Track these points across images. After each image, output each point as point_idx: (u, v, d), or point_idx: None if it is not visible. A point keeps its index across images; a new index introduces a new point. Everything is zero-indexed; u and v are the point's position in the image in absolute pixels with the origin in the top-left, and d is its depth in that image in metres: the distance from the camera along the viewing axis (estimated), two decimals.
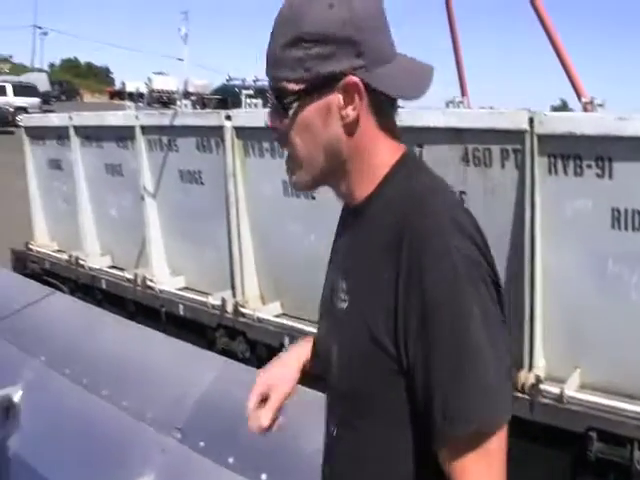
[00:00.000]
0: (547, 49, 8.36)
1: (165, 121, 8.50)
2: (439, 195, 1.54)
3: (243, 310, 7.58)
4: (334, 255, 1.80)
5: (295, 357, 1.98)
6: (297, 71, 1.50)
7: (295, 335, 6.65)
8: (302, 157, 1.59)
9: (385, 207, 1.55)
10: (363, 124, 1.55)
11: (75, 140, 9.91)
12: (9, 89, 46.51)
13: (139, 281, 8.87)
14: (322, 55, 1.48)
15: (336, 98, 1.51)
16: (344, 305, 1.59)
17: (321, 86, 1.51)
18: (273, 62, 1.55)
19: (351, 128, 1.54)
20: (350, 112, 1.52)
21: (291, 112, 1.54)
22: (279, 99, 1.56)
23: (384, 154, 1.59)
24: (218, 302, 7.78)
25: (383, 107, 1.57)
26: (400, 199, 1.52)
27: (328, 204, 6.58)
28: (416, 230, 1.43)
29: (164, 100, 60.42)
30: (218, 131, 7.61)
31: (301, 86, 1.51)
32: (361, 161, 1.58)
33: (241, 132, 7.43)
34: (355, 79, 1.49)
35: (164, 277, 8.91)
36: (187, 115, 8.37)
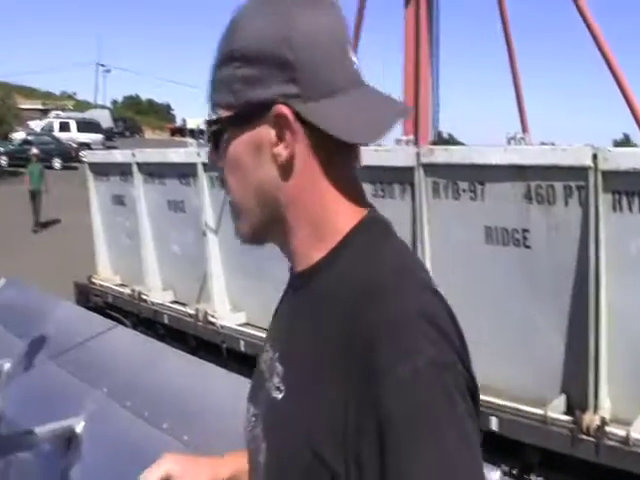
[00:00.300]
0: (608, 82, 8.32)
1: None
2: (406, 277, 1.20)
3: None
4: (275, 321, 1.46)
5: (212, 471, 1.61)
6: (226, 95, 1.25)
7: None
8: (236, 202, 1.31)
9: (336, 285, 1.21)
10: (302, 168, 1.23)
11: (138, 176, 10.09)
12: (73, 125, 47.68)
13: (200, 316, 8.94)
14: (250, 77, 1.21)
15: (267, 132, 1.22)
16: (278, 395, 1.25)
17: (250, 115, 1.23)
18: (209, 83, 1.30)
19: (286, 171, 1.23)
20: (282, 151, 1.21)
21: (223, 145, 1.28)
22: (211, 128, 1.31)
23: (338, 214, 1.26)
24: None
25: (333, 151, 1.23)
26: (356, 278, 1.19)
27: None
28: (373, 322, 1.11)
29: None
30: None
31: (230, 113, 1.25)
32: (305, 216, 1.26)
33: None
34: (284, 109, 1.19)
35: (225, 313, 8.96)
36: None
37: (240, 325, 8.66)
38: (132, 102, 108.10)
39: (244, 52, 1.22)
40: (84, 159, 12.17)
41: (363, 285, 1.17)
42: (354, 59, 1.25)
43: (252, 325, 8.62)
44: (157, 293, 10.03)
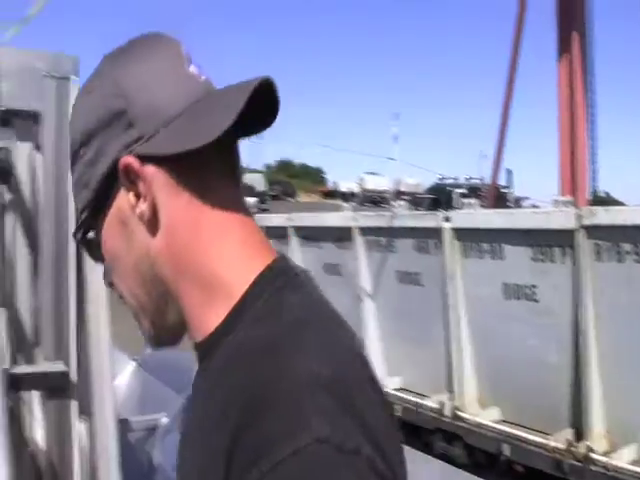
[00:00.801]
0: None
1: (382, 222, 8.64)
2: (311, 332, 0.96)
3: (461, 414, 7.44)
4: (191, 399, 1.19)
5: None
6: (84, 193, 1.08)
7: (514, 443, 6.50)
8: (131, 304, 1.11)
9: (230, 355, 0.98)
10: (173, 217, 1.03)
11: (294, 239, 10.25)
12: None
13: None
14: (93, 155, 1.06)
15: (125, 198, 1.04)
16: None
17: (104, 194, 1.06)
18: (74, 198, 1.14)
19: (155, 229, 1.03)
20: (142, 206, 1.03)
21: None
22: (87, 244, 1.14)
23: (229, 269, 1.03)
24: (436, 405, 7.69)
25: (203, 186, 1.04)
26: (248, 342, 0.96)
27: (552, 308, 6.39)
28: (254, 388, 0.89)
29: (377, 200, 61.41)
30: (436, 232, 7.65)
31: (88, 211, 1.09)
32: (190, 279, 1.04)
33: (460, 233, 7.45)
34: (127, 159, 1.01)
35: (380, 377, 8.89)
36: (404, 216, 8.48)
37: (396, 390, 8.58)
38: (285, 166, 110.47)
39: (81, 136, 1.08)
40: None
41: (252, 347, 0.95)
42: (194, 74, 1.08)
43: (408, 390, 8.55)
44: None
